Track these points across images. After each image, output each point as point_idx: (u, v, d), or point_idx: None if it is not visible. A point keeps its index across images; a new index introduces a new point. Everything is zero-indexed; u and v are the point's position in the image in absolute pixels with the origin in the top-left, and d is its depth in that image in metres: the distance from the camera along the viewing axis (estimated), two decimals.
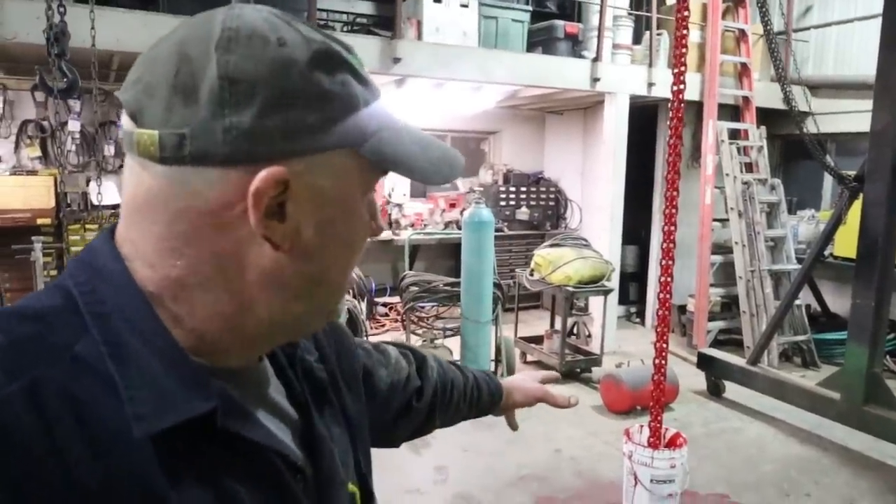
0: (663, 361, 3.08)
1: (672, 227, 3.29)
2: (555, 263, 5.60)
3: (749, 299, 6.30)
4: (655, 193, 7.50)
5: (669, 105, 3.50)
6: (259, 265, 0.57)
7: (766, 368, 5.05)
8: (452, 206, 8.18)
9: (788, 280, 6.41)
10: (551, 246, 5.88)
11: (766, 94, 7.13)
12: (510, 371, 5.39)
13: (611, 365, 5.31)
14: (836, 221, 4.49)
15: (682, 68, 3.29)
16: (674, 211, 3.29)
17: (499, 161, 8.89)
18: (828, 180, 7.71)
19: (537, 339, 6.24)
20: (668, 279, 3.41)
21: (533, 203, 8.44)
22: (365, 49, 5.06)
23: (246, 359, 0.65)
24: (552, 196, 8.61)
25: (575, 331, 7.20)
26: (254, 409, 0.64)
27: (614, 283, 6.06)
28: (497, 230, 8.16)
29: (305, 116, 0.55)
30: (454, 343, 5.32)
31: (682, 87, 3.30)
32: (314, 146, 0.56)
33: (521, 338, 6.25)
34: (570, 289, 5.46)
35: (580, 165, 8.54)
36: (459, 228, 6.08)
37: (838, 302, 7.22)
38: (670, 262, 3.41)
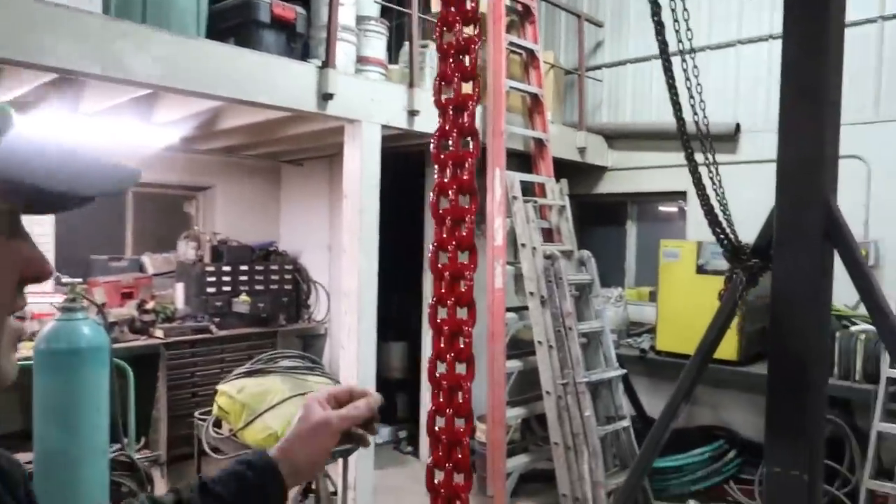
0: None
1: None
2: (251, 408, 3.06)
3: (562, 425, 4.31)
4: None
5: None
6: None
7: None
8: (127, 297, 5.27)
9: (610, 392, 4.57)
10: (249, 374, 3.33)
11: (559, 141, 5.48)
12: None
13: None
14: (730, 314, 2.59)
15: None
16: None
17: (210, 228, 6.22)
18: (631, 252, 6.25)
19: None
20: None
21: (260, 288, 5.89)
22: None
23: None
24: (288, 277, 6.14)
25: (314, 486, 4.66)
26: None
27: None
28: (201, 331, 5.47)
29: None
30: None
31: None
32: None
33: None
34: None
35: (327, 235, 6.22)
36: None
37: (654, 403, 5.65)
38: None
